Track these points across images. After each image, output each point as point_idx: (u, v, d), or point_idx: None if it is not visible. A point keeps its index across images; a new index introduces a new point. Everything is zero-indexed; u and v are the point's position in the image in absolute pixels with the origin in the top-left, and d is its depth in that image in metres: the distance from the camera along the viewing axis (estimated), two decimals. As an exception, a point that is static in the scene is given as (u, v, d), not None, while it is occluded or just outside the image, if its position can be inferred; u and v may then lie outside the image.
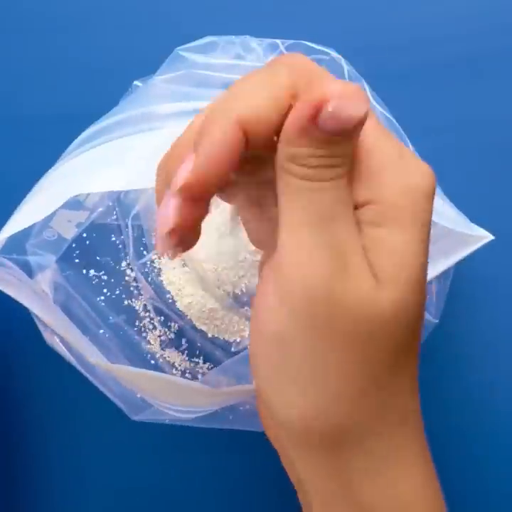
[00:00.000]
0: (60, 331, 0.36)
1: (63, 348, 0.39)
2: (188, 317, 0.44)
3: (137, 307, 0.45)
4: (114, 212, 0.45)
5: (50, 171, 0.35)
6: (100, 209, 0.43)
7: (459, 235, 0.34)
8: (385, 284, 0.22)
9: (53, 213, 0.37)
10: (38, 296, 0.39)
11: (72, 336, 0.36)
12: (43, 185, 0.34)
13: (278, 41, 0.39)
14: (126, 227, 0.45)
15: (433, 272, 0.34)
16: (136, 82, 0.43)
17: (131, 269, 0.45)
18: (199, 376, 0.44)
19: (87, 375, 0.39)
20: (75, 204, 0.41)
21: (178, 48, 0.38)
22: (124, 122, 0.33)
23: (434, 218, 0.31)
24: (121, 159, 0.31)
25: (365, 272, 0.22)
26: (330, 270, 0.22)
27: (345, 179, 0.22)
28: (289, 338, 0.22)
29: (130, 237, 0.45)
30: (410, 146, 0.40)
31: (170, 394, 0.35)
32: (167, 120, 0.32)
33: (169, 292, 0.45)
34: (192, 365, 0.44)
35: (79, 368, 0.39)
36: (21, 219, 0.33)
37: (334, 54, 0.39)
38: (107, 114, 0.35)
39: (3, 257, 0.40)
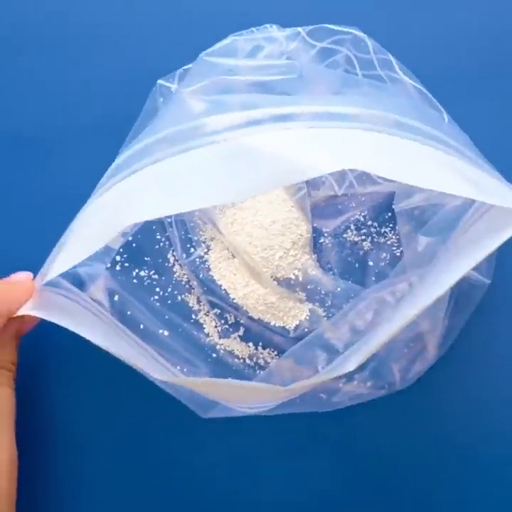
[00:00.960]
0: (122, 355, 0.36)
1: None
2: (244, 308, 0.45)
3: (191, 301, 0.46)
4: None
5: (92, 198, 0.35)
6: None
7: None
8: None
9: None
10: (94, 318, 0.39)
11: (133, 358, 0.36)
12: (90, 212, 0.34)
13: (299, 29, 0.38)
14: (171, 226, 0.45)
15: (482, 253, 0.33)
16: (160, 81, 0.42)
17: (180, 265, 0.46)
18: (261, 361, 0.45)
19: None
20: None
21: (202, 53, 0.38)
22: (165, 140, 0.33)
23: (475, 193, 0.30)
24: (178, 181, 0.31)
25: None
26: None
27: None
28: None
29: (176, 235, 0.45)
30: (445, 114, 0.40)
31: (238, 395, 0.36)
32: (218, 134, 0.31)
33: (221, 286, 0.45)
34: (253, 351, 0.45)
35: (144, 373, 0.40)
36: (68, 257, 0.33)
37: (357, 32, 0.38)
38: (142, 134, 0.35)
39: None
